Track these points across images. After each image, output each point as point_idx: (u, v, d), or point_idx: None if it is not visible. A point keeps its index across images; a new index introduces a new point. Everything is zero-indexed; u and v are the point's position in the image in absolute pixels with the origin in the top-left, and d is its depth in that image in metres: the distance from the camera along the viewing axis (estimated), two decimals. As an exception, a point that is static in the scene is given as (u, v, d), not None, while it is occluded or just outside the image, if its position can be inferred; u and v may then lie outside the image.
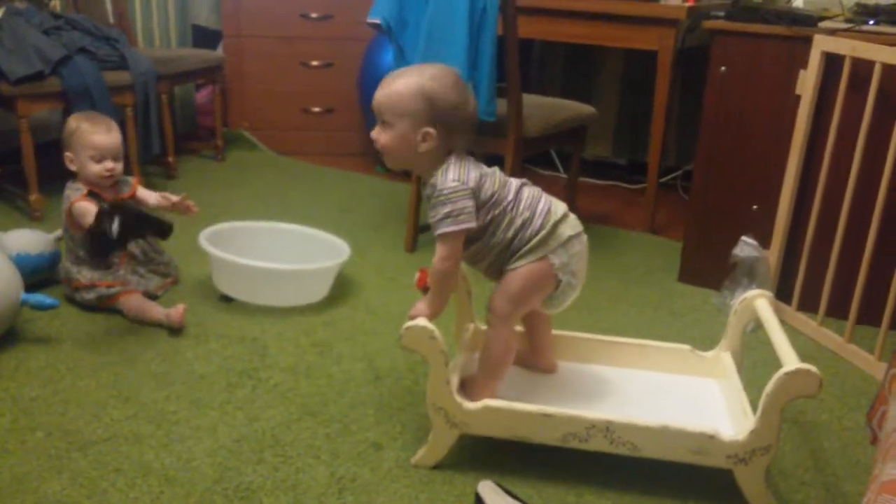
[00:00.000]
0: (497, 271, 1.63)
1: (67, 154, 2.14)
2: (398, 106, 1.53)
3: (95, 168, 2.12)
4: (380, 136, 1.58)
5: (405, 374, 1.93)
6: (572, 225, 1.61)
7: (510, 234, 1.57)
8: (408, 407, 1.79)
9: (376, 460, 1.60)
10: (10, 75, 2.64)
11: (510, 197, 1.58)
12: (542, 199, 1.61)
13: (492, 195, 1.56)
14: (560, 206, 1.62)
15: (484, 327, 1.78)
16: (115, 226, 1.90)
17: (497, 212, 1.56)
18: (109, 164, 2.13)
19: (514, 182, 1.61)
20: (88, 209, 2.04)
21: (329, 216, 3.00)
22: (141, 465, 1.55)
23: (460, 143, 1.57)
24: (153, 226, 2.04)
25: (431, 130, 1.53)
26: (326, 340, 2.07)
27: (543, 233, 1.57)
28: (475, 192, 1.54)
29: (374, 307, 2.28)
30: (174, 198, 2.22)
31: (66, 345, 1.98)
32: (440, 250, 1.55)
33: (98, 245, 2.03)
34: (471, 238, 1.57)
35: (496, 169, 1.62)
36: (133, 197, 2.23)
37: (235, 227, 2.44)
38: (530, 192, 1.61)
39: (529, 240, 1.57)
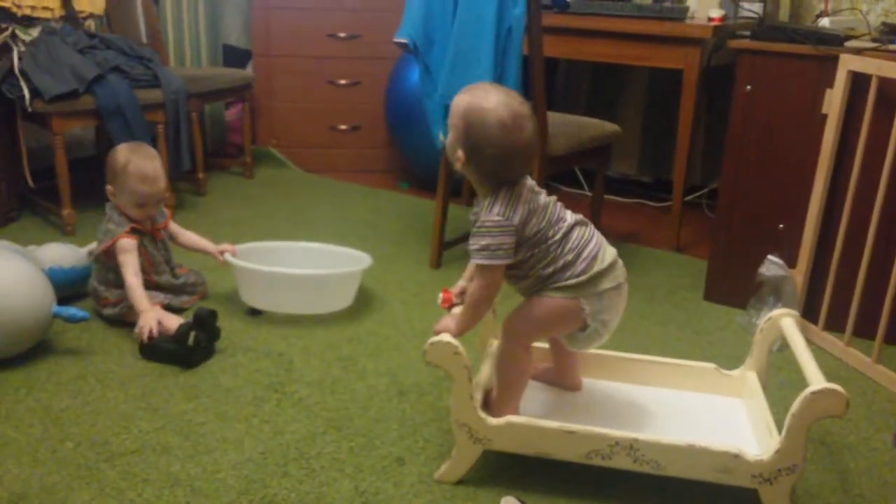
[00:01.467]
0: (527, 294, 1.63)
1: (109, 188, 2.17)
2: (453, 117, 1.54)
3: (137, 213, 2.17)
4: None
5: (429, 389, 1.94)
6: (615, 276, 1.59)
7: (549, 271, 1.56)
8: (431, 422, 1.80)
9: (400, 475, 1.61)
10: (45, 93, 2.70)
11: (557, 237, 1.55)
12: (591, 244, 1.58)
13: (536, 233, 1.54)
14: (609, 255, 1.59)
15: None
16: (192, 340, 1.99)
17: (539, 250, 1.55)
18: (151, 211, 2.18)
19: (568, 220, 1.58)
20: (132, 247, 2.12)
21: (355, 232, 3.03)
22: (168, 475, 1.57)
23: (504, 177, 1.53)
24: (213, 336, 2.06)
25: (461, 154, 1.53)
26: (351, 355, 2.09)
27: (583, 278, 1.55)
28: (517, 231, 1.52)
29: (399, 323, 2.29)
30: (212, 247, 2.30)
31: (96, 357, 2.02)
32: (479, 279, 1.55)
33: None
34: (509, 266, 1.56)
35: (552, 202, 1.59)
36: (165, 229, 2.27)
37: (259, 247, 2.46)
38: (581, 233, 1.58)
39: (567, 279, 1.56)
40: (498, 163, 1.52)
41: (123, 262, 2.11)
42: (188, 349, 1.98)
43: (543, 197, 1.59)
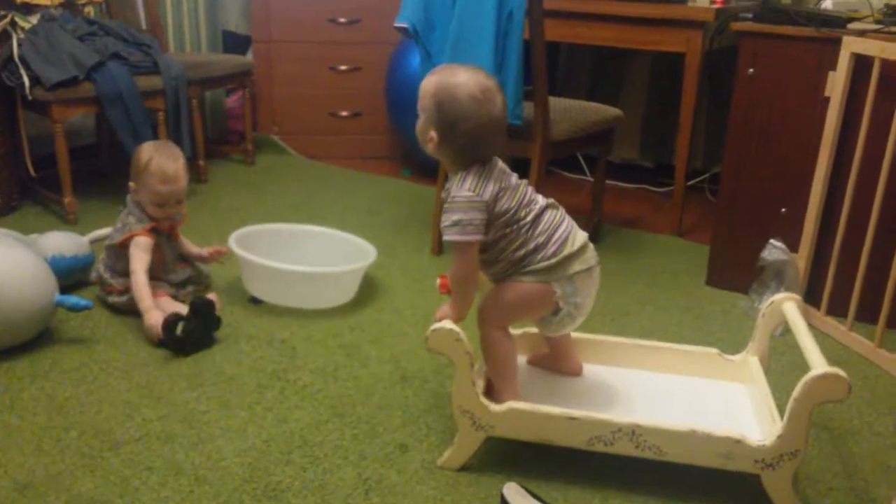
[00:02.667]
0: (499, 278, 1.63)
1: (132, 184, 2.17)
2: (421, 99, 1.56)
3: (157, 212, 2.16)
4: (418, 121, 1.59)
5: (431, 376, 1.94)
6: (585, 259, 1.59)
7: (521, 253, 1.57)
8: (434, 409, 1.80)
9: (403, 462, 1.62)
10: (45, 81, 2.70)
11: (528, 218, 1.56)
12: (562, 227, 1.59)
13: (506, 211, 1.54)
14: (579, 238, 1.59)
15: (511, 330, 1.79)
16: (180, 332, 1.99)
17: (510, 230, 1.56)
18: (171, 210, 2.18)
19: (540, 203, 1.59)
20: (148, 245, 2.12)
21: (356, 219, 3.03)
22: (172, 464, 1.57)
23: (476, 154, 1.55)
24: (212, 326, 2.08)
25: (433, 134, 1.54)
26: (354, 343, 2.09)
27: (554, 261, 1.56)
28: (487, 206, 1.53)
29: (401, 309, 2.30)
30: (205, 253, 2.31)
31: (99, 345, 2.02)
32: (454, 258, 1.57)
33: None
34: (482, 248, 1.58)
35: (523, 184, 1.60)
36: (176, 237, 2.28)
37: (264, 230, 2.47)
38: (552, 215, 1.59)
39: (538, 262, 1.57)
40: (472, 138, 1.53)
41: (133, 256, 2.11)
42: (176, 339, 1.97)
43: (515, 178, 1.60)
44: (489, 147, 1.56)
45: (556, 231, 1.58)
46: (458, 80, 1.52)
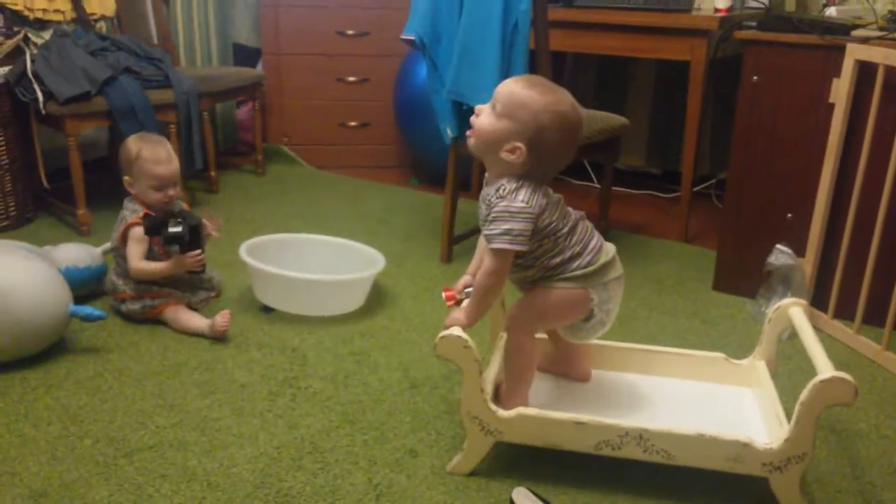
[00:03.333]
0: (530, 286, 1.64)
1: (127, 179, 2.21)
2: (516, 108, 1.51)
3: (156, 196, 2.19)
4: (482, 116, 1.56)
5: (440, 382, 1.96)
6: (618, 267, 1.63)
7: (556, 261, 1.59)
8: (443, 415, 1.82)
9: (413, 467, 1.63)
10: (58, 96, 2.74)
11: (565, 230, 1.58)
12: (595, 238, 1.63)
13: (548, 224, 1.56)
14: (611, 248, 1.64)
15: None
16: (181, 229, 2.14)
17: (547, 240, 1.57)
18: (170, 192, 2.21)
19: (573, 216, 1.62)
20: (143, 236, 2.16)
21: (366, 228, 3.05)
22: (185, 471, 1.60)
23: (540, 174, 1.56)
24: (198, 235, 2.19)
25: (522, 148, 1.52)
26: (364, 350, 2.11)
27: (591, 268, 1.58)
28: (537, 219, 1.54)
29: (410, 317, 2.32)
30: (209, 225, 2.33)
31: (113, 355, 2.05)
32: (490, 264, 1.56)
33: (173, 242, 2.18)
34: (516, 256, 1.58)
35: (560, 198, 1.62)
36: None
37: (274, 240, 2.50)
38: (584, 227, 1.63)
39: (574, 270, 1.58)
40: (551, 166, 1.57)
41: (129, 252, 2.16)
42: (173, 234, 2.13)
43: (553, 193, 1.61)
44: (554, 173, 1.60)
45: (590, 241, 1.61)
46: (565, 109, 1.52)
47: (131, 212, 2.20)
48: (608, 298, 1.62)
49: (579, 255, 1.59)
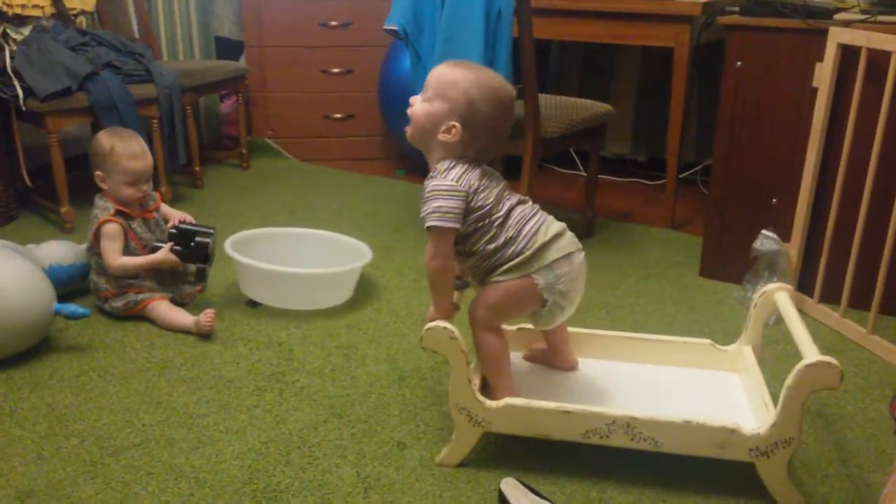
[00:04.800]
0: (479, 279, 1.64)
1: (98, 174, 2.19)
2: (446, 89, 1.55)
3: (129, 191, 2.18)
4: (416, 104, 1.60)
5: (428, 374, 1.96)
6: (562, 247, 1.59)
7: (491, 247, 1.58)
8: (431, 407, 1.82)
9: (401, 459, 1.63)
10: (38, 92, 2.71)
11: (500, 213, 1.58)
12: (533, 220, 1.60)
13: (481, 206, 1.56)
14: (553, 228, 1.60)
15: (507, 327, 1.80)
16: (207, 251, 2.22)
17: (482, 224, 1.57)
18: (143, 188, 2.19)
19: (512, 199, 1.62)
20: (117, 232, 2.15)
21: (352, 220, 3.04)
22: (172, 468, 1.59)
23: (477, 153, 1.59)
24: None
25: (458, 126, 1.54)
26: (351, 343, 2.11)
27: (527, 253, 1.57)
28: (468, 197, 1.55)
29: (397, 309, 2.31)
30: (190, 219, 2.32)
31: (98, 353, 2.04)
32: (428, 248, 1.57)
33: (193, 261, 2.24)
34: (455, 241, 1.59)
35: (502, 184, 1.63)
36: (157, 210, 2.28)
37: (259, 234, 2.49)
38: (522, 211, 1.61)
39: (511, 258, 1.58)
40: (487, 144, 1.59)
41: (104, 250, 2.14)
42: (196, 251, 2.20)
43: (497, 179, 1.63)
44: (492, 154, 1.62)
45: (526, 224, 1.59)
46: (494, 83, 1.56)
47: (102, 210, 2.18)
48: (556, 279, 1.58)
49: (513, 240, 1.58)
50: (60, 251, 2.29)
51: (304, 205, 3.25)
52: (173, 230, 2.21)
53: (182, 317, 2.15)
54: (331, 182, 3.59)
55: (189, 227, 2.23)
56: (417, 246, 2.79)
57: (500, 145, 1.63)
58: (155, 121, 3.02)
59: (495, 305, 1.62)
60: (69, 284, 2.29)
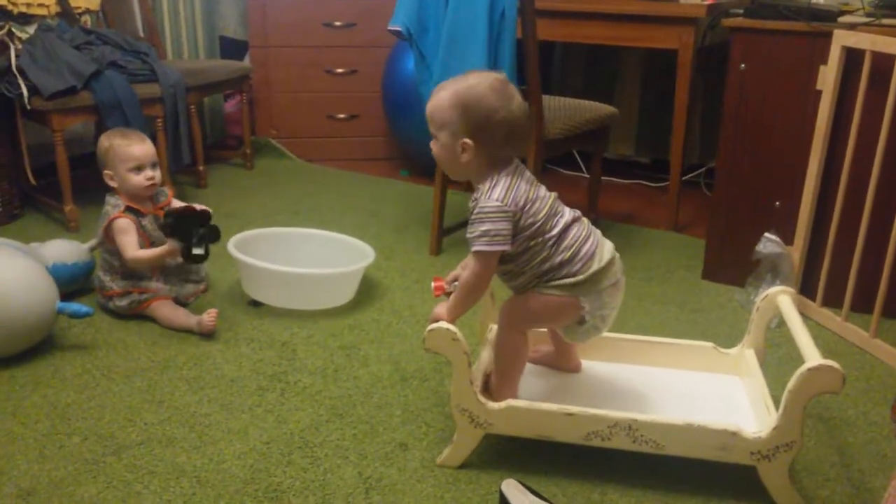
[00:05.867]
0: (522, 289, 1.63)
1: (107, 172, 2.19)
2: (438, 117, 1.55)
3: (137, 179, 2.17)
4: (433, 147, 1.59)
5: (431, 375, 1.96)
6: (613, 273, 1.59)
7: (545, 267, 1.56)
8: (433, 408, 1.82)
9: (403, 460, 1.63)
10: (43, 91, 2.71)
11: (554, 232, 1.55)
12: (588, 243, 1.57)
13: (531, 224, 1.53)
14: (607, 252, 1.59)
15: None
16: (196, 238, 2.09)
17: (534, 243, 1.55)
18: (149, 173, 2.19)
19: (566, 216, 1.58)
20: (128, 226, 2.15)
21: (355, 220, 3.05)
22: (174, 467, 1.59)
23: (508, 152, 1.55)
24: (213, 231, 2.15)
25: (468, 141, 1.52)
26: (353, 343, 2.11)
27: (581, 277, 1.55)
28: (515, 216, 1.52)
29: (400, 310, 2.31)
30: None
31: (100, 352, 2.04)
32: (474, 266, 1.55)
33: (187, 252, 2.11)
34: (504, 259, 1.57)
35: (552, 196, 1.59)
36: (168, 206, 2.29)
37: (263, 234, 2.49)
38: (578, 231, 1.58)
39: (564, 277, 1.56)
40: (507, 128, 1.53)
41: (121, 244, 2.14)
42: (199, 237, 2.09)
43: (543, 190, 1.60)
44: (520, 139, 1.58)
45: (582, 247, 1.56)
46: (471, 81, 1.54)
47: (113, 206, 2.19)
48: (602, 305, 1.59)
49: (569, 261, 1.55)
50: (64, 250, 2.30)
51: (308, 205, 3.25)
52: (168, 219, 2.09)
53: (185, 317, 2.15)
54: (334, 182, 3.59)
55: (180, 211, 2.10)
56: (420, 247, 2.79)
57: (521, 131, 1.57)
58: (159, 120, 3.02)
59: (534, 313, 1.61)
60: (72, 283, 2.29)
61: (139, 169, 2.18)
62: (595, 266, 1.56)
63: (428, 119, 1.58)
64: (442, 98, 1.54)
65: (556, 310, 1.60)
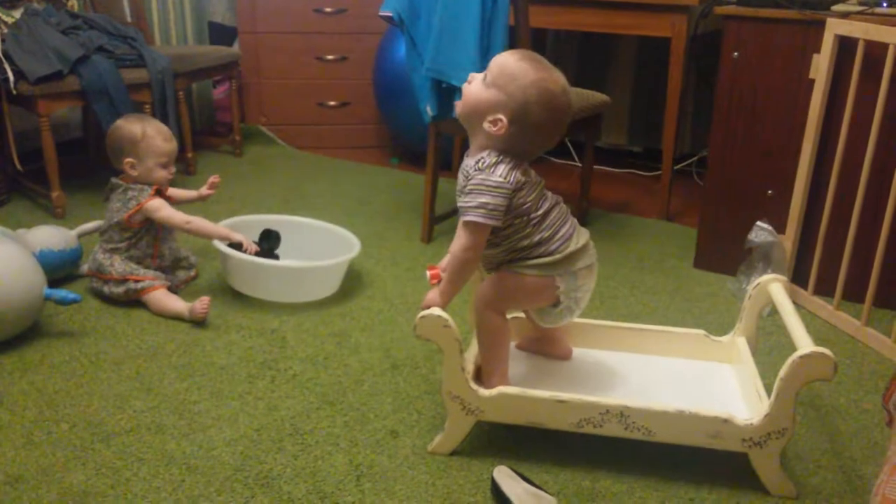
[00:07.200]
0: (495, 265, 1.63)
1: (128, 160, 2.17)
2: (505, 79, 1.49)
3: (162, 173, 2.20)
4: (473, 84, 1.54)
5: (422, 362, 1.95)
6: (588, 256, 1.61)
7: (524, 243, 1.58)
8: (424, 395, 1.81)
9: (394, 448, 1.62)
10: (29, 75, 2.68)
11: (539, 212, 1.57)
12: (567, 225, 1.60)
13: (522, 203, 1.54)
14: (582, 237, 1.61)
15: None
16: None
17: (519, 220, 1.56)
18: (172, 169, 2.23)
19: (550, 200, 1.60)
20: (163, 203, 2.18)
21: (345, 208, 3.03)
22: (163, 454, 1.58)
23: (521, 152, 1.55)
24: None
25: (504, 121, 1.50)
26: (344, 331, 2.10)
27: (558, 256, 1.57)
28: (512, 195, 1.52)
29: (391, 297, 2.30)
30: (204, 191, 2.36)
31: (88, 338, 2.02)
32: (464, 239, 1.54)
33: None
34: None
35: (541, 183, 1.61)
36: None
37: (247, 221, 2.46)
38: (558, 213, 1.60)
39: (540, 256, 1.57)
40: (533, 144, 1.54)
41: (167, 217, 2.18)
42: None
43: (534, 175, 1.60)
44: (536, 154, 1.58)
45: (561, 228, 1.59)
46: (555, 88, 1.50)
47: (140, 191, 2.17)
48: (576, 287, 1.60)
49: (547, 240, 1.57)
50: (51, 236, 2.27)
51: (297, 193, 3.23)
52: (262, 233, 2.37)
53: (176, 303, 2.13)
54: (324, 170, 3.57)
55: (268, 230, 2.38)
56: (411, 234, 2.78)
57: (544, 148, 1.58)
58: (147, 106, 2.99)
59: (510, 293, 1.61)
60: (60, 270, 2.27)
61: (166, 165, 2.20)
62: (572, 246, 1.58)
63: (493, 66, 1.52)
64: (520, 71, 1.49)
65: (532, 290, 1.60)
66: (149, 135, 2.17)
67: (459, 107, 1.57)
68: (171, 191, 2.31)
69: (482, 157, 1.53)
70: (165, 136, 2.20)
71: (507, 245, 1.58)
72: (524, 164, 1.57)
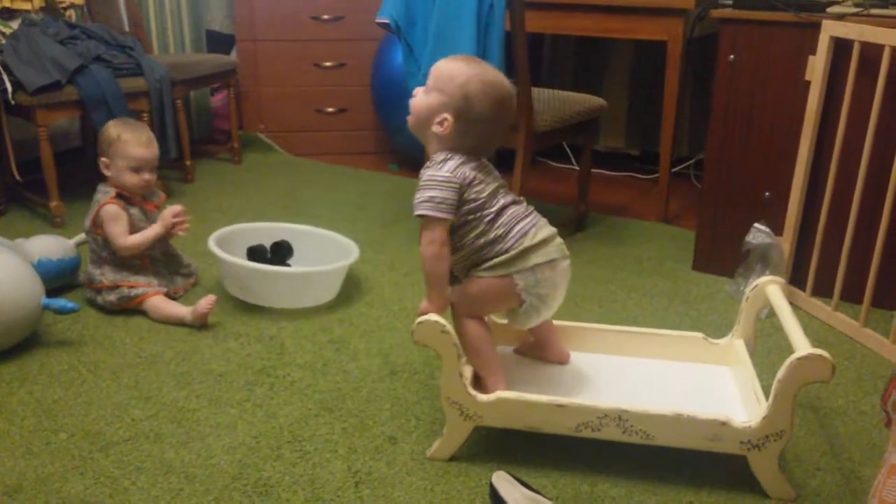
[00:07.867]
0: (464, 272, 1.65)
1: (103, 160, 2.18)
2: (444, 82, 1.57)
3: (133, 179, 2.18)
4: (417, 95, 1.62)
5: (420, 368, 1.95)
6: (546, 252, 1.60)
7: (480, 242, 1.59)
8: (423, 401, 1.81)
9: (392, 454, 1.62)
10: (27, 86, 2.69)
11: (492, 209, 1.59)
12: (524, 222, 1.60)
13: (474, 199, 1.57)
14: (542, 232, 1.61)
15: (497, 320, 1.80)
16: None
17: (473, 217, 1.58)
18: (147, 176, 2.20)
19: (507, 198, 1.62)
20: (119, 213, 2.14)
21: (344, 214, 3.03)
22: (162, 463, 1.58)
23: (472, 147, 1.59)
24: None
25: (450, 119, 1.56)
26: (342, 337, 2.10)
27: (512, 253, 1.58)
28: (461, 189, 1.55)
29: (390, 303, 2.30)
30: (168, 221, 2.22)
31: (87, 347, 2.02)
32: (423, 235, 1.57)
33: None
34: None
35: (498, 182, 1.63)
36: (157, 208, 2.27)
37: (245, 228, 2.46)
38: (515, 211, 1.61)
39: (496, 255, 1.59)
40: (481, 139, 1.59)
41: (111, 233, 2.14)
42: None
43: (493, 174, 1.63)
44: (489, 148, 1.62)
45: (516, 225, 1.60)
46: (493, 79, 1.57)
47: (103, 194, 2.18)
48: (536, 283, 1.59)
49: (502, 238, 1.58)
50: (49, 245, 2.27)
51: (296, 199, 3.24)
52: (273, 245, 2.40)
53: (177, 308, 2.14)
54: (323, 176, 3.58)
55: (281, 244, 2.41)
56: (409, 240, 2.78)
57: (497, 141, 1.63)
58: (145, 114, 3.00)
59: (476, 298, 1.63)
60: (58, 279, 2.27)
61: (138, 170, 2.18)
62: (526, 242, 1.59)
63: (431, 74, 1.59)
64: (455, 69, 1.57)
65: (494, 293, 1.61)
66: (123, 139, 2.16)
67: (410, 120, 1.64)
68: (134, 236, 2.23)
69: (433, 157, 1.59)
70: (141, 141, 2.18)
71: (468, 247, 1.60)
72: (478, 160, 1.60)
